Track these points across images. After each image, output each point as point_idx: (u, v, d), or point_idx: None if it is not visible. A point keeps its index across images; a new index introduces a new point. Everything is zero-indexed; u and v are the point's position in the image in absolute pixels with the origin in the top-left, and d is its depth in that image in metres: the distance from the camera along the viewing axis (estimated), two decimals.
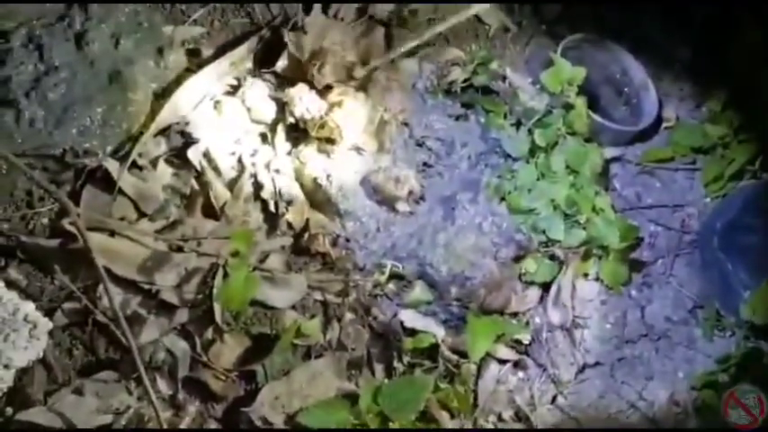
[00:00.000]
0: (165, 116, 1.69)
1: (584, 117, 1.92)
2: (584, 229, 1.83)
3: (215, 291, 1.51)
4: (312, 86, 1.81)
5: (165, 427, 1.32)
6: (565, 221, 1.83)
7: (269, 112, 1.79)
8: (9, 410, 1.35)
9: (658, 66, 2.22)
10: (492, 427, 1.61)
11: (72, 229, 1.45)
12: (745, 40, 2.18)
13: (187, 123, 1.71)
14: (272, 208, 1.69)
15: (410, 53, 1.98)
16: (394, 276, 1.69)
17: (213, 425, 1.47)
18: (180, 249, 1.56)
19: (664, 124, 2.14)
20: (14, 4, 1.64)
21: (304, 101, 1.78)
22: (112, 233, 1.52)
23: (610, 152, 2.04)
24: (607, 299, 1.85)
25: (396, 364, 1.60)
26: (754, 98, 2.11)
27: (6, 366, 1.31)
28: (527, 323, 1.73)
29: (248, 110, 1.78)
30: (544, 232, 1.81)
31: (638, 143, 2.11)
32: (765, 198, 1.96)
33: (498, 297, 1.73)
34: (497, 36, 2.14)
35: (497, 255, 1.77)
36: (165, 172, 1.64)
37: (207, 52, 1.84)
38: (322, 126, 1.76)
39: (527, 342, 1.72)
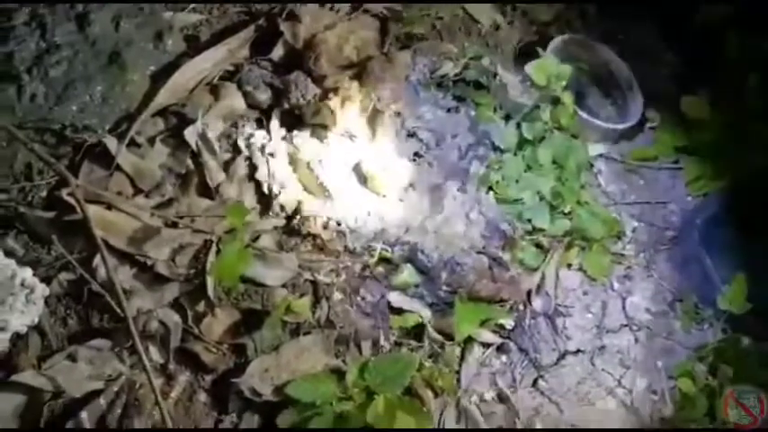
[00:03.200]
0: (163, 97, 1.73)
1: (571, 113, 1.97)
2: (569, 219, 1.88)
3: (208, 265, 1.55)
4: (307, 74, 1.86)
5: (158, 392, 1.35)
6: (550, 212, 1.88)
7: (265, 97, 1.83)
8: (3, 373, 1.38)
9: (644, 68, 2.28)
10: (474, 407, 1.64)
11: (70, 199, 1.49)
12: (730, 45, 2.25)
13: (184, 105, 1.75)
14: (265, 190, 1.73)
15: (404, 46, 2.03)
16: (383, 259, 1.73)
17: (203, 395, 1.50)
18: (174, 225, 1.60)
19: (648, 124, 2.20)
20: None
21: (299, 88, 1.83)
22: (109, 206, 1.55)
23: (595, 149, 2.09)
24: (589, 289, 1.90)
25: (382, 342, 1.63)
26: (737, 101, 2.18)
27: (2, 329, 1.34)
28: (510, 308, 1.77)
29: (244, 95, 1.82)
30: (530, 221, 1.86)
31: (624, 141, 2.17)
32: (744, 197, 2.02)
33: (488, 285, 1.77)
34: (489, 34, 2.20)
35: (485, 242, 1.81)
36: (161, 151, 1.68)
37: (205, 38, 1.88)
38: (316, 112, 1.81)
39: (510, 327, 1.76)
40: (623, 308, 1.90)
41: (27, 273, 1.38)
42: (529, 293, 1.80)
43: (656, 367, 1.83)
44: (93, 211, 1.49)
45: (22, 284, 1.36)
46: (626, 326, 1.88)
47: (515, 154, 1.95)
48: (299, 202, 1.74)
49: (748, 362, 1.78)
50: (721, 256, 1.91)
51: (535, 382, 1.73)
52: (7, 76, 1.58)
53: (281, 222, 1.72)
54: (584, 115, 2.04)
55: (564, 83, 1.94)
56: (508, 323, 1.76)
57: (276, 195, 1.73)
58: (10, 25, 1.63)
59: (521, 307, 1.79)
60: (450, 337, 1.67)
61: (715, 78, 2.26)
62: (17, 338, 1.40)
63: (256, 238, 1.67)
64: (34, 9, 1.67)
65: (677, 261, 1.99)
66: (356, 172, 1.82)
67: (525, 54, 2.18)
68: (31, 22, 1.65)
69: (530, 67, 1.94)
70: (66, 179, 1.47)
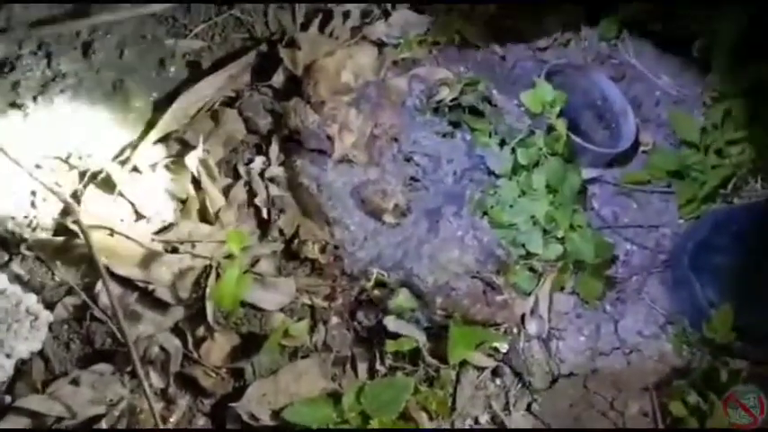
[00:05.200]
0: (166, 124, 1.77)
1: (565, 140, 2.01)
2: (562, 243, 1.92)
3: (208, 290, 1.58)
4: (306, 100, 1.90)
5: (157, 418, 1.38)
6: (543, 236, 1.92)
7: (264, 123, 1.87)
8: (8, 398, 1.41)
9: (638, 92, 2.33)
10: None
11: (74, 227, 1.52)
12: (723, 69, 2.29)
13: (185, 131, 1.79)
14: (264, 215, 1.76)
15: (400, 72, 2.07)
16: (379, 284, 1.77)
17: (202, 419, 1.54)
18: (175, 250, 1.64)
19: (641, 148, 2.24)
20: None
21: (298, 114, 1.87)
22: (112, 232, 1.59)
23: (589, 173, 2.13)
24: (582, 312, 1.93)
25: (378, 366, 1.67)
26: (729, 125, 2.21)
27: (8, 356, 1.38)
28: (505, 332, 1.81)
29: (245, 120, 1.86)
30: (524, 246, 1.89)
31: (617, 166, 2.20)
32: (735, 221, 2.06)
33: (482, 309, 1.80)
34: (485, 59, 2.24)
35: (479, 267, 1.84)
36: (163, 177, 1.72)
37: (206, 65, 1.92)
38: (315, 138, 1.85)
39: (504, 351, 1.79)
40: (615, 331, 1.94)
41: (32, 299, 1.42)
42: (523, 317, 1.84)
43: (648, 390, 1.86)
44: (96, 238, 1.53)
45: (27, 311, 1.40)
46: (618, 349, 1.91)
47: (510, 179, 1.98)
48: (298, 227, 1.77)
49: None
50: (711, 280, 1.94)
51: (529, 406, 1.76)
52: (13, 104, 1.61)
53: (280, 247, 1.75)
54: (578, 140, 2.08)
55: (558, 110, 1.98)
56: (502, 347, 1.79)
57: (275, 220, 1.77)
58: (17, 54, 1.67)
59: (515, 330, 1.83)
60: (445, 360, 1.70)
61: (706, 103, 2.30)
62: (21, 364, 1.43)
63: (255, 263, 1.71)
64: (41, 38, 1.71)
65: (669, 284, 2.02)
66: (353, 197, 1.86)
67: (521, 78, 2.22)
68: (38, 50, 1.69)
69: (524, 96, 1.98)
70: (70, 207, 1.51)
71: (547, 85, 2.01)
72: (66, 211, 1.57)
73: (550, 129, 2.00)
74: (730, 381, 1.80)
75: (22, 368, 1.44)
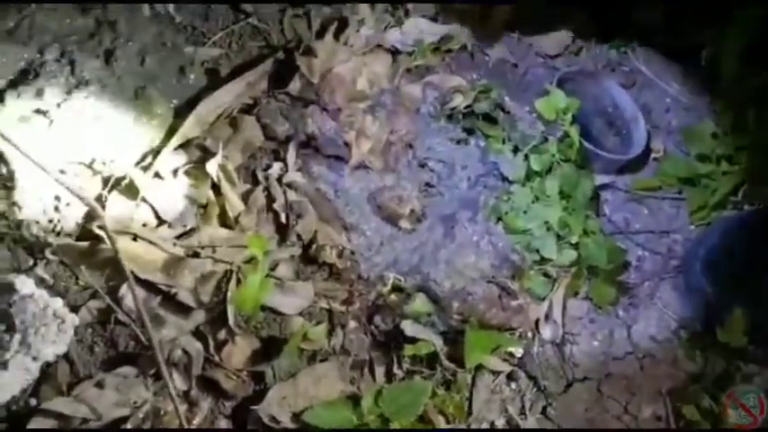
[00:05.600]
0: (186, 130, 1.79)
1: (578, 146, 2.04)
2: (576, 249, 1.94)
3: (229, 294, 1.60)
4: (323, 107, 1.93)
5: (182, 419, 1.40)
6: (557, 242, 1.94)
7: (282, 129, 1.89)
8: (34, 401, 1.43)
9: (647, 100, 2.35)
10: None
11: (100, 232, 1.55)
12: (731, 77, 2.31)
13: (205, 138, 1.81)
14: (282, 220, 1.79)
15: (415, 79, 2.10)
16: (396, 288, 1.79)
17: (224, 421, 1.56)
18: (196, 255, 1.66)
19: (652, 155, 2.26)
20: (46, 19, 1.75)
21: (315, 120, 1.90)
22: (135, 237, 1.61)
23: (601, 179, 2.15)
24: (596, 317, 1.95)
25: (396, 370, 1.69)
26: (739, 132, 2.23)
27: (35, 359, 1.40)
28: (520, 336, 1.83)
29: (263, 127, 1.89)
30: (538, 251, 1.92)
31: (628, 172, 2.22)
32: (746, 227, 2.07)
33: (498, 314, 1.83)
34: (497, 66, 2.26)
35: (494, 272, 1.87)
36: (184, 183, 1.74)
37: (225, 72, 1.95)
38: (332, 144, 1.88)
39: (519, 355, 1.81)
40: (629, 336, 1.95)
41: (58, 303, 1.44)
42: (537, 322, 1.86)
43: (661, 394, 1.88)
44: (120, 242, 1.55)
45: (54, 315, 1.42)
46: (631, 353, 1.93)
47: (524, 185, 2.01)
48: (315, 232, 1.80)
49: None
50: (723, 286, 1.96)
51: (544, 410, 1.78)
52: (38, 111, 1.64)
53: (298, 251, 1.78)
54: (590, 146, 2.10)
55: (571, 117, 2.01)
56: (517, 351, 1.81)
57: (293, 225, 1.79)
58: (41, 61, 1.69)
59: (529, 335, 1.85)
60: (461, 364, 1.72)
61: (718, 110, 2.32)
62: (47, 366, 1.45)
63: (274, 267, 1.73)
64: (63, 45, 1.73)
65: (681, 290, 2.04)
66: (370, 203, 1.89)
67: (533, 86, 2.25)
68: (61, 58, 1.72)
69: (538, 104, 2.01)
70: (96, 212, 1.53)
71: (560, 93, 2.03)
72: (90, 216, 1.59)
73: (564, 135, 2.02)
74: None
75: (47, 371, 1.46)
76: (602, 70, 2.37)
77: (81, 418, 1.42)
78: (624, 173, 2.22)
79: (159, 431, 1.47)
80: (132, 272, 1.54)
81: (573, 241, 1.95)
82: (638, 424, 1.83)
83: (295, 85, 1.96)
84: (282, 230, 1.79)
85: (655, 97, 2.38)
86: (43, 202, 1.60)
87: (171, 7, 1.91)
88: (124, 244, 1.58)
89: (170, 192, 1.71)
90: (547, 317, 1.87)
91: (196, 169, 1.77)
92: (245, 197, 1.79)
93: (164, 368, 1.42)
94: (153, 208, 1.68)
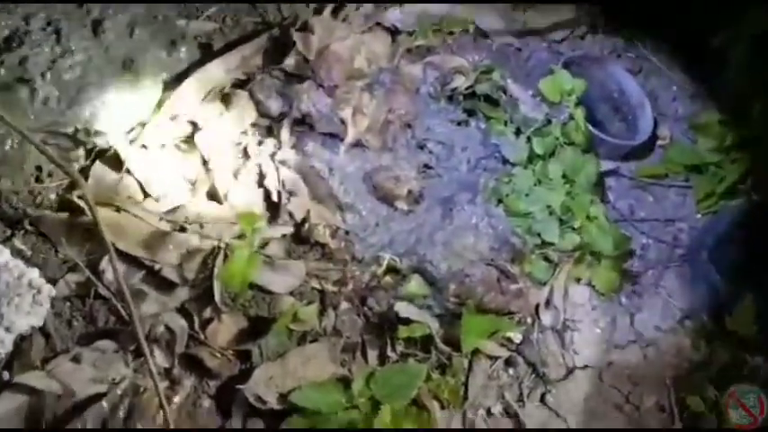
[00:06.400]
0: (175, 104, 1.73)
1: (583, 129, 1.97)
2: (579, 234, 1.87)
3: (216, 270, 1.54)
4: (319, 84, 1.87)
5: (162, 397, 1.33)
6: (560, 226, 1.87)
7: (276, 106, 1.83)
8: (6, 374, 1.37)
9: (655, 86, 2.29)
10: (481, 420, 1.63)
11: (80, 202, 1.49)
12: (741, 66, 2.25)
13: (196, 112, 1.75)
14: (274, 197, 1.73)
15: (415, 59, 2.04)
16: (391, 269, 1.72)
17: (207, 401, 1.49)
18: (183, 230, 1.60)
19: (658, 142, 2.20)
20: None
21: (310, 97, 1.84)
22: (118, 210, 1.55)
23: (605, 165, 2.09)
24: (598, 304, 1.88)
25: (389, 352, 1.62)
26: (746, 120, 2.17)
27: (8, 329, 1.34)
28: (519, 321, 1.76)
29: (256, 103, 1.83)
30: (539, 235, 1.85)
31: (633, 159, 2.16)
32: (754, 216, 2.01)
33: (497, 297, 1.76)
34: (500, 49, 2.21)
35: (494, 255, 1.80)
36: (172, 157, 1.68)
37: (218, 47, 1.89)
38: (327, 122, 1.82)
39: (518, 340, 1.74)
40: (632, 324, 1.89)
41: (34, 273, 1.38)
42: (537, 307, 1.79)
43: (665, 384, 1.81)
44: (103, 214, 1.49)
45: (30, 285, 1.36)
46: (634, 342, 1.86)
47: (526, 168, 1.95)
48: (308, 211, 1.73)
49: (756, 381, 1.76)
50: (731, 275, 1.90)
51: (543, 397, 1.71)
52: (21, 80, 1.58)
53: (290, 230, 1.71)
54: (595, 131, 2.04)
55: (576, 99, 1.95)
56: (516, 336, 1.74)
57: (285, 203, 1.73)
58: (26, 30, 1.64)
59: (529, 320, 1.78)
60: (457, 348, 1.65)
61: (725, 97, 2.26)
62: (21, 339, 1.39)
63: (264, 245, 1.66)
64: (50, 14, 1.68)
65: (686, 279, 1.98)
66: (366, 182, 1.83)
67: (536, 70, 2.19)
68: (47, 27, 1.66)
69: (543, 84, 1.95)
70: (77, 182, 1.47)
71: (565, 73, 1.98)
72: (71, 186, 1.53)
73: (569, 118, 1.96)
74: (749, 376, 1.76)
75: (21, 344, 1.40)
76: (607, 56, 2.31)
77: (55, 394, 1.35)
78: (629, 159, 2.16)
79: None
80: (114, 244, 1.47)
81: (575, 226, 1.89)
82: (641, 414, 1.76)
83: (290, 62, 1.90)
84: (274, 209, 1.73)
85: (661, 84, 2.32)
86: (24, 172, 1.55)
87: None
88: (107, 216, 1.52)
89: (157, 165, 1.65)
90: (547, 302, 1.80)
91: (185, 143, 1.71)
92: (236, 173, 1.73)
93: (144, 343, 1.35)
94: (138, 181, 1.62)
